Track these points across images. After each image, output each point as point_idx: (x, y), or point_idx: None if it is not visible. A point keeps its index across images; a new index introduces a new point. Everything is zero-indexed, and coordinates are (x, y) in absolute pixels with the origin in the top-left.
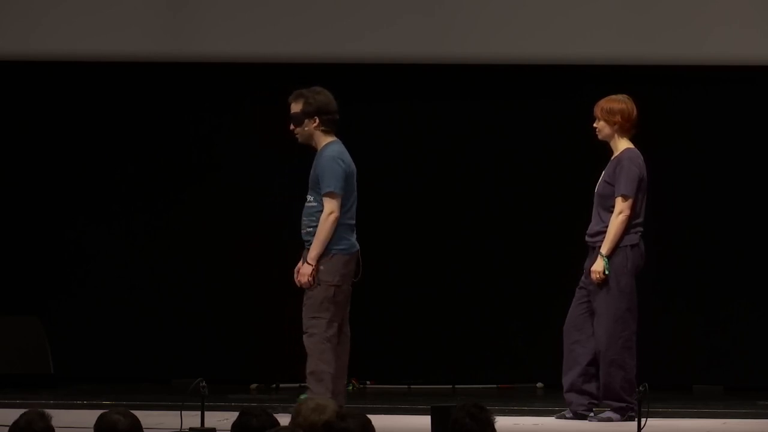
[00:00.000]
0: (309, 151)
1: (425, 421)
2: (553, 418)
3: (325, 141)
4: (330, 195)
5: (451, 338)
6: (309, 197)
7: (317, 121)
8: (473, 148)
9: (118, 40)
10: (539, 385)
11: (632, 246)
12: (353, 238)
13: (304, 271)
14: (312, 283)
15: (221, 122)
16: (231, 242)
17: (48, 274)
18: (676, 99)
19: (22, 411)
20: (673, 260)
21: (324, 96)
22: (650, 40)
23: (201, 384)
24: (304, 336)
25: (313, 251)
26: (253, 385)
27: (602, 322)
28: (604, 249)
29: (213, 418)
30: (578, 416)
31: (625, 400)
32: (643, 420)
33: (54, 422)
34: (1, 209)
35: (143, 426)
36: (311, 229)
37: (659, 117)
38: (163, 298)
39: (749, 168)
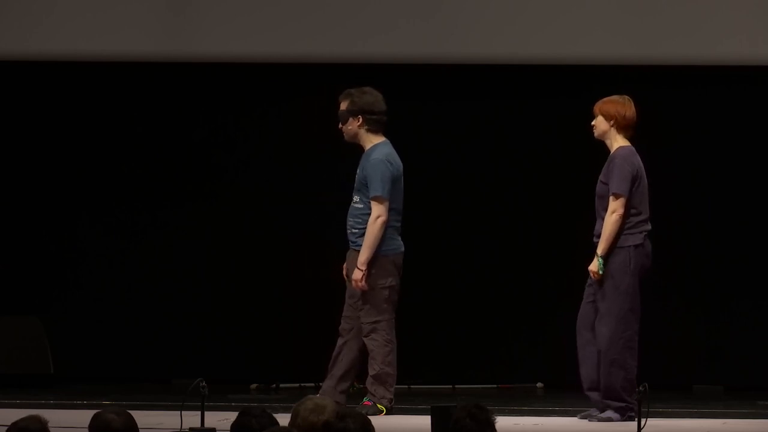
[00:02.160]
0: (308, 151)
1: (425, 421)
2: (577, 418)
3: (371, 141)
4: (377, 199)
5: (451, 338)
6: (355, 198)
7: (361, 120)
8: (473, 148)
9: (118, 40)
10: (539, 385)
11: (636, 246)
12: (399, 238)
13: (355, 277)
14: (365, 286)
15: (222, 122)
16: (231, 242)
17: (48, 274)
18: (677, 99)
19: (22, 411)
20: (673, 260)
21: (370, 96)
22: (650, 41)
23: (201, 384)
24: (366, 339)
25: (363, 255)
26: (253, 385)
27: (604, 322)
28: (600, 248)
29: (213, 418)
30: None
31: (625, 400)
32: (643, 420)
33: (54, 422)
34: (1, 209)
35: (144, 426)
36: (357, 230)
37: (659, 117)
38: (163, 298)
39: (749, 168)
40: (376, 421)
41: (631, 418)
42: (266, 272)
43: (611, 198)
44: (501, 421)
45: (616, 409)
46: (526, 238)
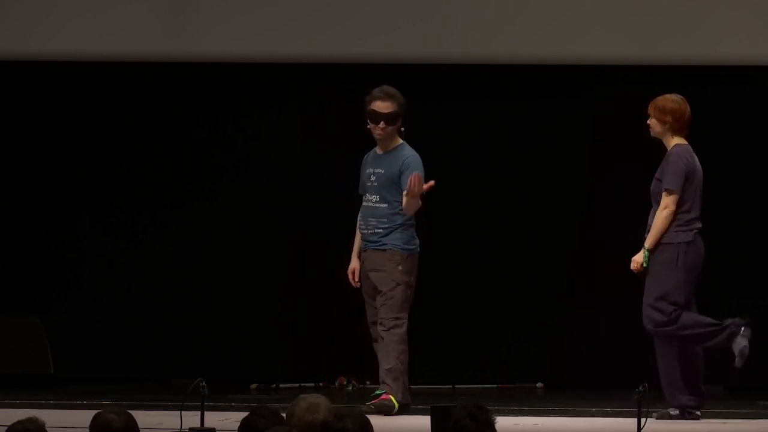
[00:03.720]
0: (308, 151)
1: (425, 421)
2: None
3: (398, 142)
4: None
5: (451, 338)
6: (375, 197)
7: (400, 122)
8: (473, 148)
9: (118, 40)
10: (539, 385)
11: (687, 243)
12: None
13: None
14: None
15: (222, 122)
16: (231, 242)
17: (48, 274)
18: None
19: (22, 411)
20: None
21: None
22: (650, 41)
23: (201, 384)
24: (385, 332)
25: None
26: (253, 385)
27: (647, 313)
28: (648, 242)
29: (213, 418)
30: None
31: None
32: (643, 420)
33: (54, 422)
34: (1, 209)
35: (144, 426)
36: (381, 230)
37: None
38: (163, 298)
39: (749, 168)
40: (376, 421)
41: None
42: (266, 272)
43: (664, 194)
44: (501, 421)
45: (676, 406)
46: (526, 238)
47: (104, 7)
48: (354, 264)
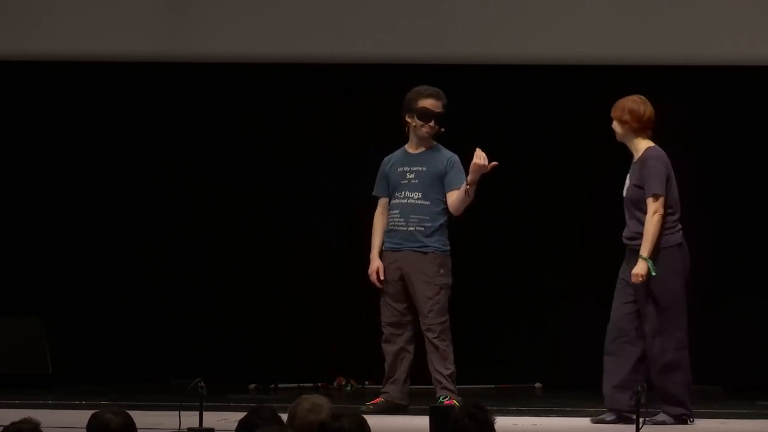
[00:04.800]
0: (308, 151)
1: (425, 421)
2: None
3: (433, 142)
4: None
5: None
6: (416, 194)
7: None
8: (473, 148)
9: (118, 40)
10: (538, 385)
11: (679, 245)
12: None
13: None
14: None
15: (222, 122)
16: (231, 242)
17: (48, 274)
18: (677, 99)
19: (21, 411)
20: None
21: None
22: (650, 41)
23: (200, 384)
24: (435, 340)
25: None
26: (252, 386)
27: (655, 326)
28: (644, 251)
29: (212, 419)
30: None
31: (685, 405)
32: (641, 420)
33: (53, 422)
34: (1, 209)
35: (143, 426)
36: (423, 228)
37: (659, 117)
38: (163, 298)
39: (749, 168)
40: (375, 421)
41: (684, 421)
42: (266, 272)
43: (650, 199)
44: (500, 421)
45: (674, 416)
46: (526, 238)
47: (104, 7)
48: (377, 263)
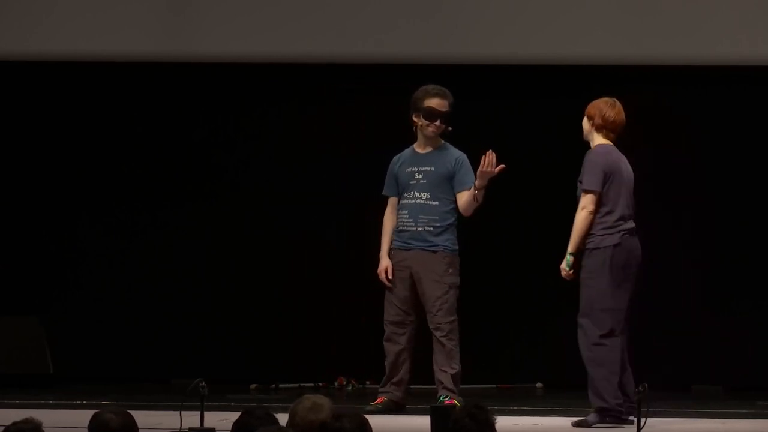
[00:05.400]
0: (308, 151)
1: (425, 421)
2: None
3: (441, 141)
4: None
5: None
6: (424, 194)
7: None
8: (473, 148)
9: (118, 40)
10: (539, 385)
11: (614, 246)
12: None
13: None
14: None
15: (222, 122)
16: (231, 242)
17: (48, 274)
18: (677, 99)
19: (21, 411)
20: (672, 260)
21: None
22: (650, 41)
23: (200, 384)
24: (443, 339)
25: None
26: (253, 386)
27: (581, 322)
28: (570, 246)
29: (212, 418)
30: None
31: (605, 401)
32: (642, 420)
33: (53, 422)
34: (2, 209)
35: (143, 426)
36: (432, 228)
37: (659, 117)
38: (163, 298)
39: (749, 168)
40: (376, 421)
41: (612, 422)
42: (266, 272)
43: (582, 194)
44: (501, 421)
45: (597, 409)
46: (526, 238)
47: (104, 7)
48: (386, 262)
